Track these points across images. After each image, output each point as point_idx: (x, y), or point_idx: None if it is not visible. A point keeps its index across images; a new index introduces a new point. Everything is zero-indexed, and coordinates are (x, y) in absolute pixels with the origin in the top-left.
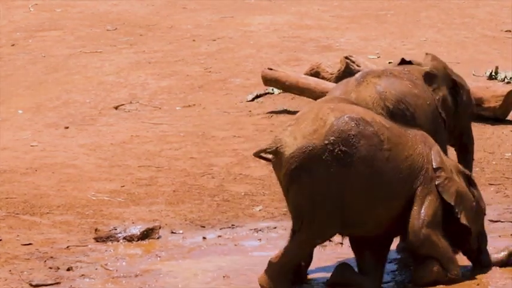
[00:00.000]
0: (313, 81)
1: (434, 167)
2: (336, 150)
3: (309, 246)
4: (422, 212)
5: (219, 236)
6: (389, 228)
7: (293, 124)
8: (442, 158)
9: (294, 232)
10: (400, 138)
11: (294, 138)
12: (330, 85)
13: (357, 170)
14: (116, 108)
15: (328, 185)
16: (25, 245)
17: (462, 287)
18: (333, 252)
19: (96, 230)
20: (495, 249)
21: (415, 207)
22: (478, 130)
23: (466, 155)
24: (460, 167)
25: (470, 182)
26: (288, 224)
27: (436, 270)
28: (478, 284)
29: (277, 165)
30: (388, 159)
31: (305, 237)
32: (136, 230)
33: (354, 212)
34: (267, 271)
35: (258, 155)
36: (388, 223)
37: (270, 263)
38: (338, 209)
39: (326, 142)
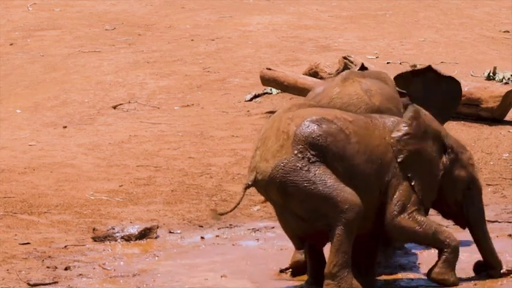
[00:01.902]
0: (311, 81)
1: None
2: (307, 155)
3: (351, 236)
4: (393, 202)
5: (217, 236)
6: (372, 224)
7: (260, 146)
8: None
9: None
10: (366, 129)
11: (265, 161)
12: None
13: (334, 166)
14: (114, 107)
15: (317, 183)
16: (23, 244)
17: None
18: None
19: (94, 229)
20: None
21: (387, 201)
22: (476, 131)
23: None
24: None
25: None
26: None
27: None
28: (475, 284)
29: (262, 192)
30: (359, 152)
31: (340, 229)
32: (134, 229)
33: None
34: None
35: (245, 191)
36: (370, 218)
37: (330, 274)
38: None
39: (296, 152)
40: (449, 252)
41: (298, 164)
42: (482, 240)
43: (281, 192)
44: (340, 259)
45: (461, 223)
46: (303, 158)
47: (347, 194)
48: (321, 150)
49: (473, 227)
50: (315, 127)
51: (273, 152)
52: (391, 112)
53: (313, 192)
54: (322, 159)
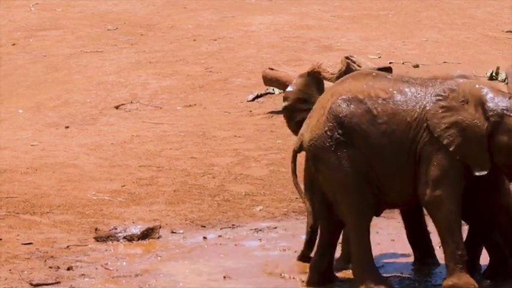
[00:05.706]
0: None
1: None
2: (335, 135)
3: (364, 229)
4: (429, 177)
5: (220, 236)
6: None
7: (310, 116)
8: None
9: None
10: (404, 104)
11: (306, 131)
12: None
13: (360, 148)
14: (117, 108)
15: (343, 168)
16: (25, 244)
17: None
18: None
19: (96, 229)
20: None
21: (422, 174)
22: None
23: None
24: None
25: None
26: (288, 223)
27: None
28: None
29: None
30: (385, 133)
31: (352, 222)
32: (136, 229)
33: (380, 185)
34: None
35: (295, 157)
36: (408, 193)
37: (354, 272)
38: (364, 185)
39: (326, 129)
40: (453, 264)
41: (326, 142)
42: None
43: (312, 166)
44: (359, 254)
45: None
46: (331, 136)
47: (359, 189)
48: (346, 130)
49: None
50: (344, 106)
51: (312, 125)
52: None
53: (334, 175)
54: (349, 140)
